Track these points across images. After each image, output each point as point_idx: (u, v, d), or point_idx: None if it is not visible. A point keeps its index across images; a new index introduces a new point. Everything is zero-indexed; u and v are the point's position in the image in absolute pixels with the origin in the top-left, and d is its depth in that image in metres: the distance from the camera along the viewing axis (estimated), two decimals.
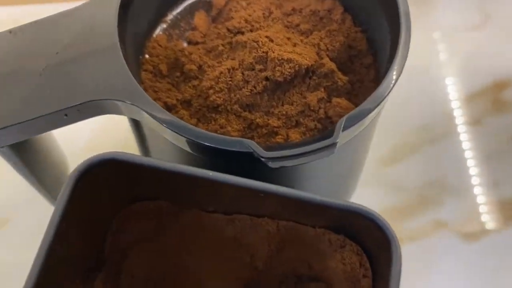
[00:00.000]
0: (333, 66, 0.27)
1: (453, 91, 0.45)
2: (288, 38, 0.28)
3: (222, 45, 0.29)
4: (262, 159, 0.22)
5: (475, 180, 0.41)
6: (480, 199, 0.41)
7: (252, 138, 0.27)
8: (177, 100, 0.28)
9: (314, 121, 0.27)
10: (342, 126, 0.22)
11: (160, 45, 0.30)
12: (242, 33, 0.29)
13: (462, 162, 0.42)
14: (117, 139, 0.40)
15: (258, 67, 0.26)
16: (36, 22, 0.26)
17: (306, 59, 0.26)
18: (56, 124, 0.24)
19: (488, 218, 0.40)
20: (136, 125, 0.28)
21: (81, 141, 0.41)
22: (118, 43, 0.24)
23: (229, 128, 0.27)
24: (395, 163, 0.42)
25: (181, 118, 0.27)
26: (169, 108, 0.28)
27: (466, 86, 0.45)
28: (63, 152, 0.36)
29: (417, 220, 0.40)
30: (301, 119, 0.27)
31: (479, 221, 0.40)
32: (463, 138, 0.43)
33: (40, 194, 0.33)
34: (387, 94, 0.24)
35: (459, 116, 0.44)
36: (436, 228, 0.40)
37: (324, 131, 0.27)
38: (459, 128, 0.44)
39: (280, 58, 0.25)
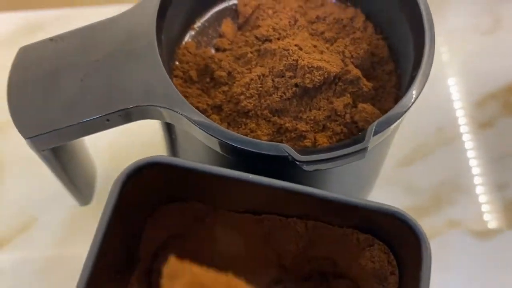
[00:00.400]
0: (358, 73, 0.28)
1: (465, 94, 0.46)
2: (315, 46, 0.29)
3: (251, 52, 0.30)
4: (297, 163, 0.23)
5: (486, 180, 0.43)
6: (492, 198, 0.42)
7: (281, 141, 0.28)
8: (208, 105, 0.29)
9: (340, 125, 0.28)
10: (373, 131, 0.23)
11: (189, 52, 0.31)
12: (270, 40, 0.30)
13: (474, 163, 0.43)
14: (140, 139, 0.42)
15: (288, 74, 0.27)
16: (76, 30, 0.27)
17: (334, 67, 0.27)
18: (98, 128, 0.26)
19: (500, 217, 0.41)
20: (168, 127, 0.29)
21: (104, 141, 0.42)
22: (158, 51, 0.25)
23: (259, 132, 0.28)
24: (409, 164, 0.43)
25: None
26: (200, 113, 0.29)
27: (478, 89, 0.47)
28: (89, 151, 0.37)
29: (431, 219, 0.41)
30: (328, 124, 0.28)
31: (492, 220, 0.41)
32: (475, 139, 0.44)
33: (70, 193, 0.34)
34: (414, 100, 0.25)
35: (471, 119, 0.45)
36: (450, 227, 0.41)
37: (349, 135, 0.28)
38: (471, 130, 0.45)
39: (310, 66, 0.27)
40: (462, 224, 0.41)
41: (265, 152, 0.23)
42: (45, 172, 0.31)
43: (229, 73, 0.30)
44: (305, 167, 0.23)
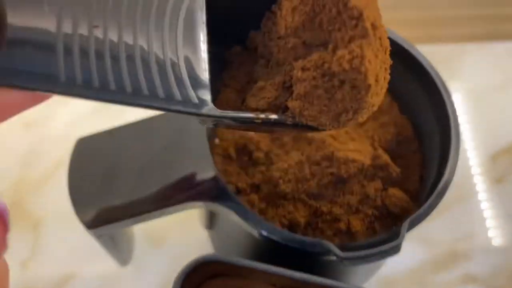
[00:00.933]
0: (388, 160, 0.30)
1: (480, 150, 0.49)
2: (346, 132, 0.31)
3: (286, 135, 0.32)
4: (338, 259, 0.25)
5: (502, 236, 0.45)
6: (509, 254, 0.44)
7: (317, 223, 0.30)
8: (247, 184, 0.32)
9: (372, 208, 0.30)
10: (407, 228, 0.26)
11: (228, 130, 0.34)
12: None
13: (489, 218, 0.46)
14: None
15: (324, 163, 0.29)
16: (130, 124, 0.29)
17: (367, 157, 0.29)
18: (152, 218, 0.28)
19: None
20: (211, 212, 0.32)
21: None
22: (209, 149, 0.27)
23: (296, 214, 0.30)
24: (426, 220, 0.45)
25: (252, 202, 0.31)
26: (239, 191, 0.31)
27: (492, 145, 0.49)
28: None
29: (448, 274, 0.44)
30: (360, 207, 0.30)
31: (508, 276, 0.43)
32: (489, 195, 0.46)
33: (111, 256, 0.36)
34: (444, 195, 0.27)
35: (486, 174, 0.47)
36: (466, 283, 0.43)
37: (380, 217, 0.30)
38: (486, 186, 0.47)
39: (345, 158, 0.29)
40: (478, 280, 0.43)
41: (310, 249, 0.26)
42: (83, 229, 0.34)
43: (266, 155, 0.32)
44: (345, 263, 0.25)
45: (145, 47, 0.14)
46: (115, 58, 0.14)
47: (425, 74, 0.31)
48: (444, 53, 0.53)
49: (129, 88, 0.14)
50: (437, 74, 0.31)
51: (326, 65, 0.17)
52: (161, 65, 0.14)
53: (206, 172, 0.27)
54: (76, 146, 0.29)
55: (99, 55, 0.14)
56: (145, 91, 0.14)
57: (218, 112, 0.15)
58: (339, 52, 0.17)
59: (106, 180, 0.28)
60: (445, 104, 0.30)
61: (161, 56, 0.14)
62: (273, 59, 0.19)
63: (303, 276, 0.25)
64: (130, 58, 0.14)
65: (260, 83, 0.19)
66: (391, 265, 0.42)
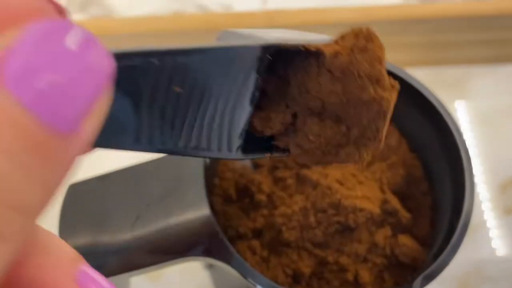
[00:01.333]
0: (398, 205, 0.29)
1: (488, 178, 0.47)
2: (353, 175, 0.30)
3: (290, 177, 0.30)
4: None
5: None
6: None
7: (322, 274, 0.28)
8: (248, 228, 0.30)
9: (380, 257, 0.29)
10: (419, 284, 0.24)
11: (229, 169, 0.32)
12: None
13: (499, 251, 0.44)
14: None
15: (330, 211, 0.28)
16: (124, 170, 0.27)
17: (376, 204, 0.28)
18: (148, 271, 0.26)
19: None
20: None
21: None
22: (208, 205, 0.26)
23: (301, 264, 0.28)
24: None
25: (253, 248, 0.29)
26: (240, 236, 0.30)
27: (501, 173, 0.47)
28: None
29: None
30: (368, 256, 0.29)
31: None
32: (499, 227, 0.45)
33: None
34: (459, 248, 0.25)
35: (494, 205, 0.46)
36: None
37: (389, 266, 0.29)
38: (495, 217, 0.45)
39: (353, 206, 0.27)
40: None
41: None
42: None
43: (268, 197, 0.30)
44: None
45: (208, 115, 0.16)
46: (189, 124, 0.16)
47: (435, 113, 0.30)
48: (451, 75, 0.52)
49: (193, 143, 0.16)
50: (447, 113, 0.29)
51: (336, 140, 0.16)
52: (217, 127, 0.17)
53: (205, 226, 0.26)
54: (67, 191, 0.27)
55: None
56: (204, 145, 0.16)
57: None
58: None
59: (100, 230, 0.26)
60: (457, 146, 0.29)
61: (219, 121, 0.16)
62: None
63: None
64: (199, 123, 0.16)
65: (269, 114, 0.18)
66: None
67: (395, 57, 0.31)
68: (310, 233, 0.28)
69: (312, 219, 0.28)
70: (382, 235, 0.28)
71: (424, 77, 0.32)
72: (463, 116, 0.49)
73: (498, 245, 0.44)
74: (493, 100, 0.51)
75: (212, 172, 0.31)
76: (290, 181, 0.30)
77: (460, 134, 0.28)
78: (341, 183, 0.29)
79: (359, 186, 0.29)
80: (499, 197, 0.46)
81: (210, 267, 0.36)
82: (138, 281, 0.41)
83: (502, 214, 0.45)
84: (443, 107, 0.30)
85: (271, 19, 0.48)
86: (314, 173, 0.29)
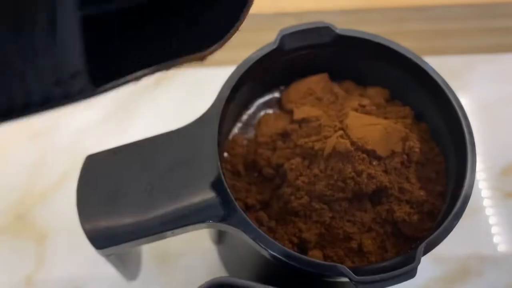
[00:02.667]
0: (414, 181, 0.30)
1: (489, 164, 0.48)
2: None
3: (298, 154, 0.31)
4: (353, 283, 0.25)
5: None
6: None
7: (327, 242, 0.29)
8: (256, 200, 0.31)
9: (383, 227, 0.30)
10: (422, 251, 0.25)
11: (237, 145, 0.33)
12: (319, 140, 0.31)
13: (499, 234, 0.45)
14: None
15: (340, 180, 0.29)
16: (135, 143, 0.28)
17: (386, 177, 0.29)
18: (162, 238, 0.27)
19: None
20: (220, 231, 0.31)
21: None
22: (221, 171, 0.27)
23: (307, 233, 0.29)
24: None
25: (260, 219, 0.30)
26: (248, 208, 0.31)
27: (502, 159, 0.48)
28: None
29: None
30: (372, 226, 0.30)
31: None
32: (503, 209, 0.46)
33: (118, 272, 0.36)
34: (460, 217, 0.26)
35: (496, 189, 0.47)
36: None
37: (391, 236, 0.30)
38: (499, 200, 0.46)
39: (366, 175, 0.28)
40: None
41: (324, 273, 0.25)
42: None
43: (277, 171, 0.31)
44: (359, 286, 0.25)
45: None
46: None
47: (437, 86, 0.31)
48: (452, 65, 0.52)
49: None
50: (447, 86, 0.30)
51: None
52: None
53: (218, 192, 0.27)
54: (85, 162, 0.28)
55: None
56: None
57: None
58: None
59: (115, 199, 0.27)
60: (459, 120, 0.30)
61: None
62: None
63: None
64: None
65: None
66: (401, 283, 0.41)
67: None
68: (319, 202, 0.29)
69: (320, 187, 0.29)
70: (386, 206, 0.29)
71: None
72: (465, 104, 0.50)
73: (499, 229, 0.45)
74: (495, 88, 0.52)
75: (221, 148, 0.32)
76: (299, 159, 0.31)
77: (462, 108, 0.29)
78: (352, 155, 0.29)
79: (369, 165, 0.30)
80: (500, 183, 0.47)
81: (218, 242, 0.37)
82: (148, 258, 0.42)
83: (503, 198, 0.46)
84: (444, 82, 0.31)
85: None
86: (325, 145, 0.30)
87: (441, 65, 0.33)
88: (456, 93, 0.31)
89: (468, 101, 0.51)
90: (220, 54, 0.33)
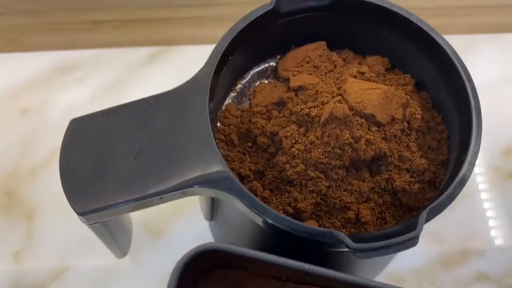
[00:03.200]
0: (414, 149, 0.28)
1: (492, 144, 0.47)
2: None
3: (294, 122, 0.30)
4: (350, 250, 0.23)
5: None
6: None
7: (324, 212, 0.28)
8: (250, 170, 0.30)
9: (382, 197, 0.28)
10: (425, 218, 0.24)
11: (231, 114, 0.32)
12: (316, 107, 0.30)
13: (503, 214, 0.44)
14: None
15: (336, 147, 0.27)
16: (128, 104, 0.27)
17: (385, 144, 0.28)
18: (150, 204, 0.26)
19: None
20: (212, 198, 0.30)
21: None
22: (212, 133, 0.25)
23: (302, 204, 0.28)
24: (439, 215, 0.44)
25: (254, 190, 0.29)
26: (242, 178, 0.30)
27: (504, 139, 0.47)
28: None
29: (459, 271, 0.42)
30: (371, 195, 0.28)
31: None
32: (503, 190, 0.45)
33: (108, 248, 0.34)
34: (465, 184, 0.25)
35: (499, 169, 0.46)
36: (477, 280, 0.41)
37: (391, 207, 0.28)
38: (500, 180, 0.45)
39: (365, 141, 0.27)
40: (490, 278, 0.41)
41: (321, 240, 0.24)
42: (79, 220, 0.32)
43: (272, 140, 0.30)
44: (358, 255, 0.23)
45: None
46: None
47: (441, 51, 0.30)
48: (454, 44, 0.51)
49: None
50: (453, 51, 0.29)
51: None
52: None
53: (209, 156, 0.26)
54: (69, 126, 0.27)
55: None
56: None
57: None
58: None
59: (101, 163, 0.26)
60: (464, 83, 0.28)
61: None
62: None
63: (314, 268, 0.23)
64: None
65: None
66: (399, 262, 0.40)
67: None
68: (314, 170, 0.28)
69: (316, 154, 0.28)
70: (385, 175, 0.28)
71: None
72: None
73: (498, 210, 0.44)
74: (498, 68, 0.51)
75: (214, 117, 0.31)
76: (294, 127, 0.30)
77: (467, 72, 0.28)
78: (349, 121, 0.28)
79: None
80: (502, 162, 0.46)
81: (211, 218, 0.36)
82: (139, 235, 0.40)
83: (505, 178, 0.45)
84: (448, 45, 0.29)
85: None
86: (320, 111, 0.29)
87: None
88: None
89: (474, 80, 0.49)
90: (217, 30, 0.31)
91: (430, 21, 0.52)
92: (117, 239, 0.33)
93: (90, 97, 0.48)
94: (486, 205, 0.44)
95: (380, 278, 0.40)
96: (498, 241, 0.43)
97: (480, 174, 0.46)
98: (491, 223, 0.44)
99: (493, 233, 0.43)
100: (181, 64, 0.49)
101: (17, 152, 0.45)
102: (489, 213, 0.44)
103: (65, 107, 0.47)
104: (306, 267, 0.23)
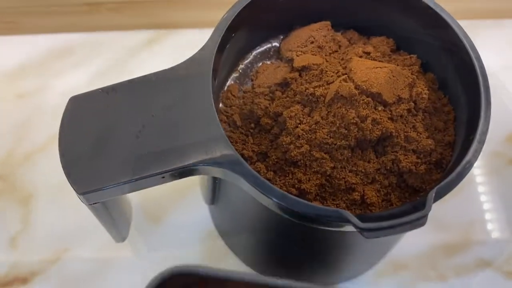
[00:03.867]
0: (413, 134, 0.28)
1: (494, 130, 0.46)
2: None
3: (298, 102, 0.29)
4: (358, 230, 0.23)
5: None
6: None
7: (328, 193, 0.28)
8: (253, 151, 0.29)
9: (388, 178, 0.28)
10: (433, 198, 0.23)
11: (233, 95, 0.31)
12: (321, 86, 0.29)
13: (505, 201, 0.43)
14: None
15: (342, 127, 0.27)
16: (129, 81, 0.26)
17: (392, 124, 0.27)
18: (152, 184, 0.25)
19: None
20: (214, 179, 0.29)
21: None
22: (215, 112, 0.25)
23: (307, 183, 0.27)
24: (441, 202, 0.43)
25: (258, 171, 0.28)
26: (245, 159, 0.29)
27: (506, 125, 0.47)
28: None
29: (462, 257, 0.41)
30: (376, 177, 0.28)
31: None
32: (506, 177, 0.44)
33: (108, 232, 0.34)
34: (473, 164, 0.25)
35: (502, 155, 0.45)
36: (480, 266, 0.41)
37: (396, 188, 0.28)
38: (502, 167, 0.45)
39: (371, 120, 0.26)
40: (492, 264, 0.41)
41: (327, 219, 0.23)
42: (77, 202, 0.31)
43: (275, 120, 0.30)
44: (365, 235, 0.23)
45: None
46: None
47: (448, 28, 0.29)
48: None
49: None
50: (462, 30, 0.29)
51: None
52: None
53: (213, 135, 0.25)
54: (68, 104, 0.26)
55: None
56: None
57: None
58: None
59: (101, 141, 0.25)
60: (473, 63, 0.28)
61: None
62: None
63: (288, 284, 0.21)
64: None
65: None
66: (401, 248, 0.39)
67: None
68: (319, 151, 0.27)
69: (321, 134, 0.27)
70: (390, 156, 0.28)
71: None
72: None
73: (501, 196, 0.43)
74: (500, 55, 0.50)
75: (216, 98, 0.30)
76: (298, 107, 0.29)
77: (474, 50, 0.27)
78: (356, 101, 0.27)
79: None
80: (504, 149, 0.45)
81: (212, 201, 0.35)
82: (137, 220, 0.40)
83: (506, 164, 0.45)
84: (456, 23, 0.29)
85: None
86: (325, 91, 0.28)
87: None
88: None
89: None
90: (217, 13, 0.31)
91: None
92: (117, 222, 0.33)
93: (87, 81, 0.47)
94: (488, 191, 0.44)
95: (382, 264, 0.39)
96: (499, 228, 0.42)
97: (481, 161, 0.45)
98: (492, 208, 0.43)
99: (494, 219, 0.43)
100: (180, 48, 0.48)
101: (13, 136, 0.44)
102: (493, 199, 0.43)
103: (62, 91, 0.46)
104: (280, 283, 0.22)
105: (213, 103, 0.25)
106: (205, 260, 0.39)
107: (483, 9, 0.52)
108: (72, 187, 0.25)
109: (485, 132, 0.25)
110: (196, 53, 0.27)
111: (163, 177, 0.25)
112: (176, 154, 0.25)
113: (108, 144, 0.25)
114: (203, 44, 0.28)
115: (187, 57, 0.27)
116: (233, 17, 0.28)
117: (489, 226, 0.42)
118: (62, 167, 0.25)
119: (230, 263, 0.39)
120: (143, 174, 0.24)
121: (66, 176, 0.25)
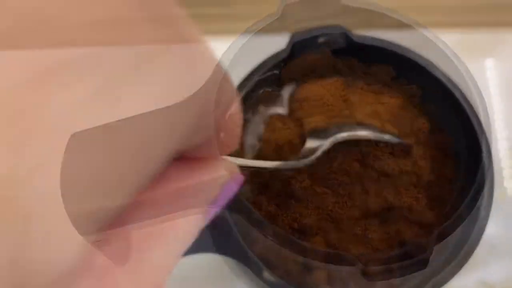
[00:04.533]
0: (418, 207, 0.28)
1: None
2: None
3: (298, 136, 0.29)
4: (359, 272, 0.23)
5: None
6: None
7: (330, 227, 0.28)
8: (254, 183, 0.29)
9: (390, 212, 0.28)
10: (435, 241, 0.23)
11: (234, 125, 0.31)
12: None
13: (509, 222, 0.43)
14: None
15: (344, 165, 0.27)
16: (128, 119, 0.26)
17: (393, 159, 0.27)
18: None
19: None
20: None
21: None
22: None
23: (308, 218, 0.27)
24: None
25: (259, 204, 0.28)
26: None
27: None
28: None
29: (463, 280, 0.41)
30: (378, 211, 0.28)
31: None
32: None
33: None
34: (476, 204, 0.25)
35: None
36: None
37: (399, 222, 0.28)
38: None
39: (372, 156, 0.26)
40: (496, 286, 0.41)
41: (328, 262, 0.23)
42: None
43: (276, 152, 0.29)
44: (367, 278, 0.23)
45: None
46: None
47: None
48: (482, 39, 0.49)
49: None
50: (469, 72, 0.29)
51: None
52: None
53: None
54: (70, 141, 0.26)
55: None
56: None
57: None
58: None
59: None
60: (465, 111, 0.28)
61: None
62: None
63: None
64: None
65: None
66: None
67: (428, 19, 0.30)
68: (319, 185, 0.27)
69: (323, 169, 0.27)
70: (394, 190, 0.28)
71: (456, 40, 0.31)
72: (493, 79, 0.47)
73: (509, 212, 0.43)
74: None
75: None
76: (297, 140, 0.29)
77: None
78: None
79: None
80: None
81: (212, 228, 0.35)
82: None
83: None
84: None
85: None
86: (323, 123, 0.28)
87: (467, 40, 0.31)
88: (484, 67, 0.28)
89: (495, 75, 0.48)
90: (223, 25, 0.30)
91: (455, 18, 0.50)
92: None
93: (88, 95, 0.46)
94: (502, 206, 0.43)
95: None
96: (503, 252, 0.42)
97: (502, 163, 0.44)
98: (496, 233, 0.43)
99: (498, 243, 0.42)
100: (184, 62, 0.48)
101: (13, 153, 0.44)
102: (493, 223, 0.43)
103: (61, 106, 0.46)
104: None
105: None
106: None
107: (508, 19, 0.51)
108: (75, 228, 0.25)
109: (484, 174, 0.25)
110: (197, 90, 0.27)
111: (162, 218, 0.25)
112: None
113: None
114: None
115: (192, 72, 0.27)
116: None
117: (494, 250, 0.42)
118: (65, 207, 0.25)
119: None
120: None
121: (69, 217, 0.25)
